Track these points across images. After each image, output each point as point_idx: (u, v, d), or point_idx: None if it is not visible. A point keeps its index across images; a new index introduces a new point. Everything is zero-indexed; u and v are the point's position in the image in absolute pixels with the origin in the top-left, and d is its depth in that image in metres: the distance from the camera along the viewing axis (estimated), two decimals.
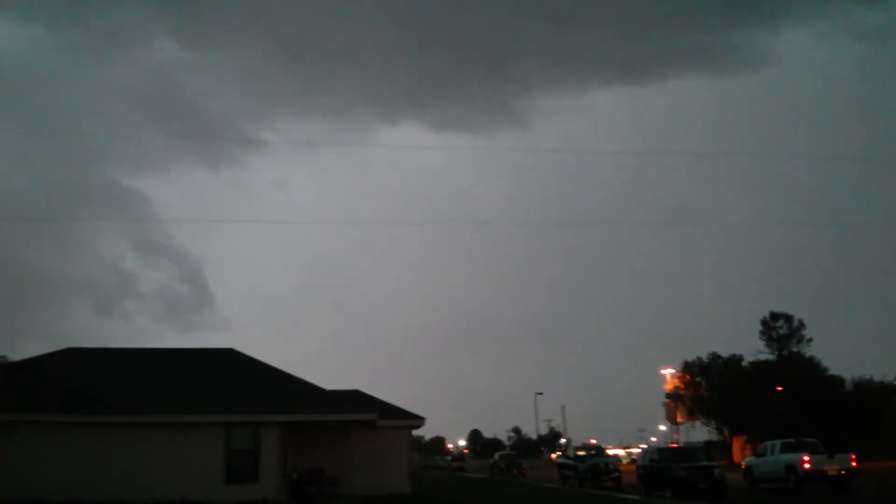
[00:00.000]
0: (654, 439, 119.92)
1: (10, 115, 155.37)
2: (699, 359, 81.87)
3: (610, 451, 65.13)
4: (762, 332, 75.87)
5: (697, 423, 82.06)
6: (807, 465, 30.80)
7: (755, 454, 39.27)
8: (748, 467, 36.39)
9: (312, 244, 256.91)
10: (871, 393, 65.42)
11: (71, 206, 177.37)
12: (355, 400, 32.64)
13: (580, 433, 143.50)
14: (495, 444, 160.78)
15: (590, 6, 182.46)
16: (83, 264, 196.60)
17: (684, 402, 79.54)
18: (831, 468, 30.60)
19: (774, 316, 75.99)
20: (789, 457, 32.15)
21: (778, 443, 34.16)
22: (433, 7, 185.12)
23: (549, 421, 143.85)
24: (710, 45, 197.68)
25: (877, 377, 67.14)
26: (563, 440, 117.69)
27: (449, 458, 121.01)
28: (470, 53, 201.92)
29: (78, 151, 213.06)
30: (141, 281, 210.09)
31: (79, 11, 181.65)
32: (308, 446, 31.13)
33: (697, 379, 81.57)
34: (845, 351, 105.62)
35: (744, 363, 76.77)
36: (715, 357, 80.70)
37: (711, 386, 79.14)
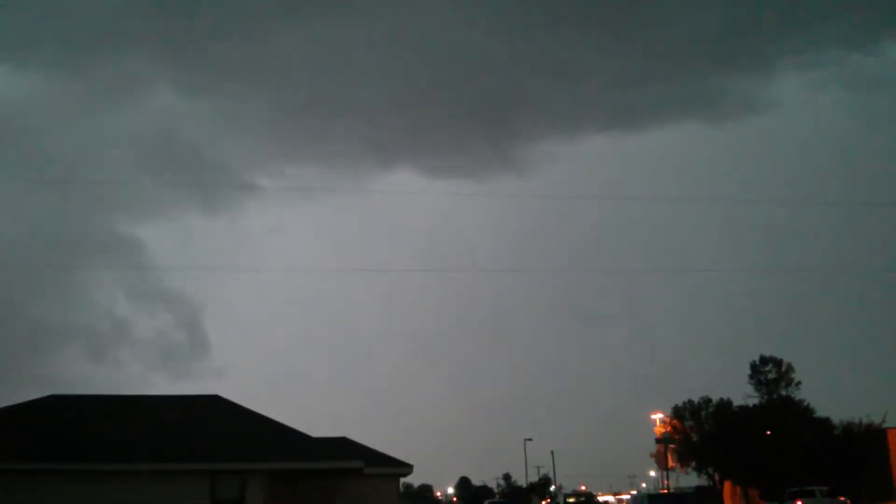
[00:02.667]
0: (644, 485, 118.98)
1: (6, 159, 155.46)
2: (689, 402, 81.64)
3: (600, 498, 64.60)
4: (751, 377, 75.87)
5: (688, 469, 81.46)
6: None
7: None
8: None
9: (306, 290, 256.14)
10: (858, 436, 65.36)
11: (67, 253, 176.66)
12: (342, 447, 32.29)
13: (570, 479, 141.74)
14: (485, 491, 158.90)
15: (587, 54, 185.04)
16: (76, 311, 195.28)
17: (674, 446, 79.07)
18: None
19: (763, 360, 76.07)
20: None
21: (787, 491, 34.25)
22: (428, 55, 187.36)
23: (539, 467, 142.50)
24: (708, 92, 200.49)
25: (865, 420, 67.12)
26: (552, 487, 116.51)
27: None
28: (465, 100, 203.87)
29: (74, 198, 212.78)
30: (134, 328, 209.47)
31: (78, 60, 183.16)
32: (295, 495, 30.68)
33: (687, 423, 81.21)
34: (833, 394, 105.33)
35: (734, 407, 76.60)
36: (706, 401, 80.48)
37: (701, 430, 78.81)
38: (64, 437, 25.55)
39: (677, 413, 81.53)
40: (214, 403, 29.64)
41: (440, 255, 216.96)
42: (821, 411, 72.01)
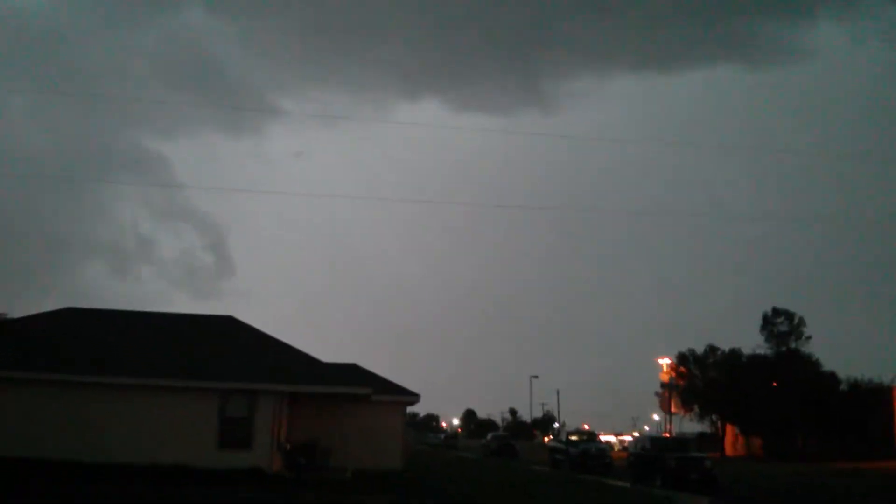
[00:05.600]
0: (647, 428, 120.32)
1: (35, 75, 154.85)
2: (695, 350, 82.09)
3: (602, 438, 65.35)
4: (762, 328, 75.87)
5: (691, 414, 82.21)
6: None
7: None
8: None
9: (328, 216, 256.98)
10: (865, 393, 65.51)
11: (91, 167, 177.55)
12: (351, 374, 32.70)
13: (574, 418, 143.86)
14: (489, 424, 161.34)
15: None
16: (99, 225, 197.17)
17: (679, 392, 79.69)
18: None
19: (776, 312, 75.95)
20: None
21: None
22: None
23: (543, 404, 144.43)
24: (743, 35, 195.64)
25: (874, 378, 67.23)
26: (556, 424, 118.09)
27: (442, 435, 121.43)
28: (496, 32, 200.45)
29: (101, 113, 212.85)
30: (157, 245, 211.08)
31: None
32: (302, 418, 31.27)
33: (693, 370, 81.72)
34: (844, 350, 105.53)
35: (743, 358, 76.85)
36: (712, 349, 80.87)
37: (707, 377, 79.31)
38: (78, 350, 26.02)
39: (683, 359, 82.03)
40: (229, 324, 30.02)
41: (459, 187, 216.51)
42: (829, 367, 72.22)
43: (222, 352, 27.12)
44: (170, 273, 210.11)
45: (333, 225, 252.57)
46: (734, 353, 78.01)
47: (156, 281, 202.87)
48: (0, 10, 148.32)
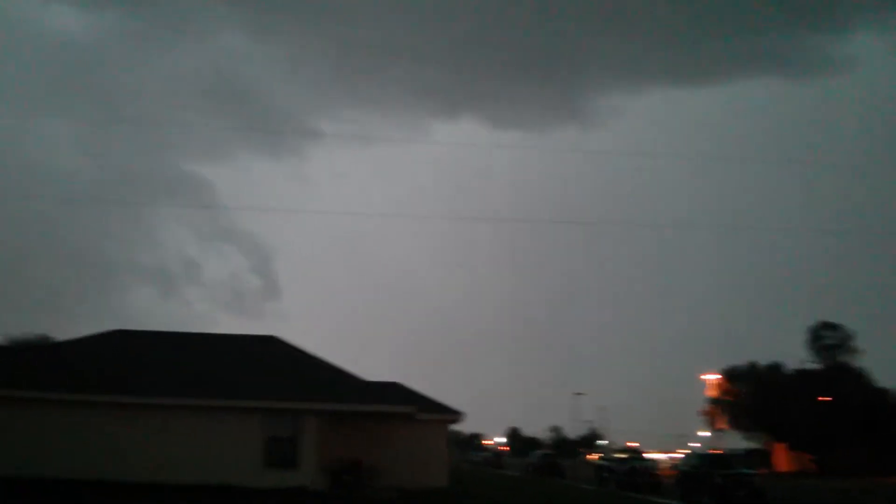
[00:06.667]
0: (695, 445, 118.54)
1: (79, 102, 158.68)
2: (740, 365, 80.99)
3: (648, 455, 64.54)
4: (810, 341, 74.64)
5: (738, 431, 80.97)
6: None
7: None
8: None
9: (367, 237, 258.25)
10: None
11: (138, 192, 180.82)
12: (394, 392, 32.68)
13: (619, 435, 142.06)
14: (534, 442, 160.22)
15: (658, 4, 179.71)
16: (145, 249, 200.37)
17: (727, 408, 78.54)
18: None
19: (824, 325, 74.72)
20: None
21: None
22: (496, 2, 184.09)
23: (588, 422, 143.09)
24: (782, 48, 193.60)
25: None
26: (601, 441, 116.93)
27: (486, 454, 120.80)
28: (531, 50, 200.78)
29: (144, 138, 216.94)
30: (202, 267, 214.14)
31: (147, 0, 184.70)
32: (347, 437, 31.28)
33: (740, 385, 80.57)
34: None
35: (786, 371, 75.66)
36: (759, 364, 79.72)
37: (754, 393, 78.11)
38: (125, 371, 26.38)
39: (730, 375, 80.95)
40: (271, 343, 30.25)
41: (498, 204, 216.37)
42: (881, 382, 70.72)
43: (265, 371, 27.31)
44: (215, 294, 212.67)
45: (375, 244, 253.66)
46: (781, 368, 76.86)
47: (201, 302, 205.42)
48: (45, 39, 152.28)
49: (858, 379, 70.48)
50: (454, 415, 35.02)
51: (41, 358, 29.56)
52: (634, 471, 41.16)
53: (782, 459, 75.99)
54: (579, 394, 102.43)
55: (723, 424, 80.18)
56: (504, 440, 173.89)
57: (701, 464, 32.75)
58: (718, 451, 55.02)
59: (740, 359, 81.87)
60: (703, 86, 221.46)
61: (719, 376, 78.86)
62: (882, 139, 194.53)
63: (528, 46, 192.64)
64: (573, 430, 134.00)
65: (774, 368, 77.38)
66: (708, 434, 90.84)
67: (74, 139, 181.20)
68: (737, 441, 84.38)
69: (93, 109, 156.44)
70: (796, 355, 74.79)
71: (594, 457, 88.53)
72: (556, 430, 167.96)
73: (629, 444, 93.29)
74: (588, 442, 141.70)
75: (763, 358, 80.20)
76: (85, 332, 30.21)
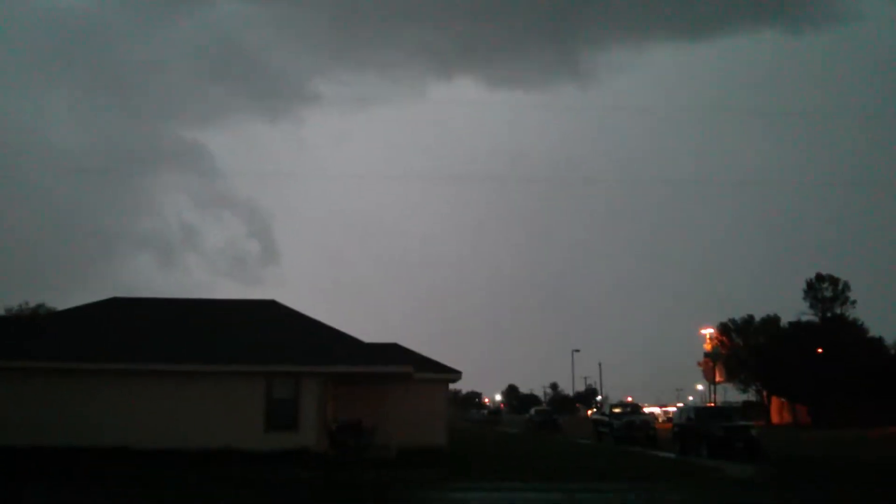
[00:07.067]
0: (691, 398, 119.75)
1: (75, 70, 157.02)
2: (737, 319, 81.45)
3: (646, 409, 65.21)
4: (806, 294, 75.01)
5: (735, 383, 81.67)
6: None
7: None
8: None
9: (366, 198, 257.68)
10: None
11: (134, 160, 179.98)
12: (393, 353, 32.87)
13: (617, 391, 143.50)
14: (532, 399, 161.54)
15: None
16: (144, 217, 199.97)
17: (723, 361, 79.25)
18: None
19: (820, 278, 75.03)
20: None
21: None
22: None
23: (585, 378, 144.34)
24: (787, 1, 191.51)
25: None
26: (599, 397, 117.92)
27: (485, 412, 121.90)
28: (531, 6, 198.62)
29: (141, 106, 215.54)
30: (199, 234, 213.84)
31: None
32: (346, 398, 31.58)
33: (736, 339, 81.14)
34: (891, 315, 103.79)
35: (782, 324, 76.07)
36: (754, 318, 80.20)
37: (750, 346, 78.65)
38: (124, 339, 26.48)
39: (726, 328, 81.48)
40: (271, 308, 30.34)
41: (496, 163, 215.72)
42: (875, 332, 71.25)
43: (266, 335, 27.42)
44: (214, 261, 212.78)
45: (372, 206, 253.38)
46: (777, 321, 77.34)
47: (201, 270, 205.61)
48: (40, 10, 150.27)
49: (854, 330, 71.01)
50: (452, 374, 35.25)
51: (38, 327, 29.65)
52: (632, 425, 41.59)
53: (778, 412, 76.81)
54: (576, 350, 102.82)
55: (720, 378, 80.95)
56: (502, 398, 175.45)
57: (697, 417, 33.11)
58: (711, 405, 55.58)
59: (737, 311, 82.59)
60: (707, 40, 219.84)
61: (714, 330, 79.34)
62: (883, 94, 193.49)
63: (528, 4, 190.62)
64: (571, 387, 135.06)
65: (771, 321, 77.87)
66: (704, 388, 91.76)
67: (71, 108, 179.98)
68: (734, 394, 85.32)
69: (90, 78, 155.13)
70: (794, 309, 75.34)
71: (592, 412, 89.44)
72: (553, 386, 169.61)
73: (626, 398, 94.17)
74: (586, 398, 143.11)
75: (761, 312, 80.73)
76: (84, 301, 30.26)
